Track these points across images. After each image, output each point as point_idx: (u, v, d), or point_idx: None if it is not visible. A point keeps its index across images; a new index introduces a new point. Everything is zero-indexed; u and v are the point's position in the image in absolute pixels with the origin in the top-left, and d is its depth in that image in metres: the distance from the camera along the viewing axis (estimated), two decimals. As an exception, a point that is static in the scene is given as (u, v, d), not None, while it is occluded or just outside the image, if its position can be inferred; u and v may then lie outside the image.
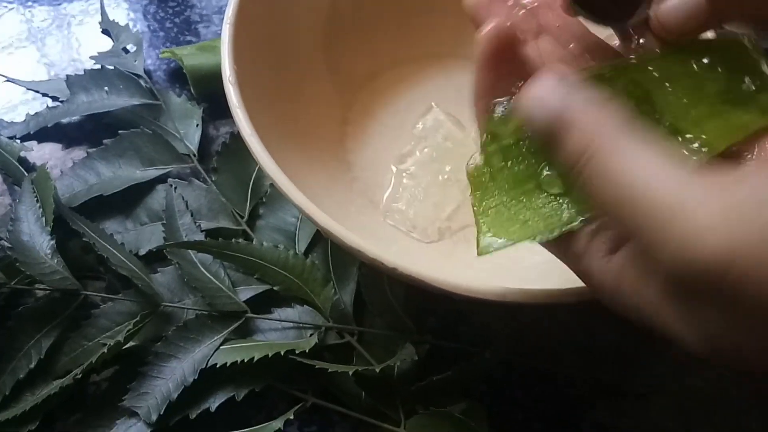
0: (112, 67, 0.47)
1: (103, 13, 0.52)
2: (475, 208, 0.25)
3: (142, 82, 0.47)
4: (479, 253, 0.25)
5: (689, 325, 0.21)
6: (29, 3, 0.54)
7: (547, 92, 0.22)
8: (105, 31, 0.52)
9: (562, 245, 0.25)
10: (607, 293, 0.23)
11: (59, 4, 0.54)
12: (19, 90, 0.49)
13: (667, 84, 0.25)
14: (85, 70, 0.47)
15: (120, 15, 0.54)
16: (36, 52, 0.52)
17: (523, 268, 0.38)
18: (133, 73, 0.47)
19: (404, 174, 0.44)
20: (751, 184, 0.19)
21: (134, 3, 0.55)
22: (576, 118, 0.22)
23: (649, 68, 0.25)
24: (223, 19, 0.53)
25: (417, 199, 0.43)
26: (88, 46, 0.52)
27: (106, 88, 0.46)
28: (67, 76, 0.47)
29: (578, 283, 0.25)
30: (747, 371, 0.22)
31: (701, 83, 0.25)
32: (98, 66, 0.47)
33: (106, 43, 0.52)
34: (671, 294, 0.21)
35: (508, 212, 0.24)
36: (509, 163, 0.25)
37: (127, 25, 0.52)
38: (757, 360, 0.20)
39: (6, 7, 0.54)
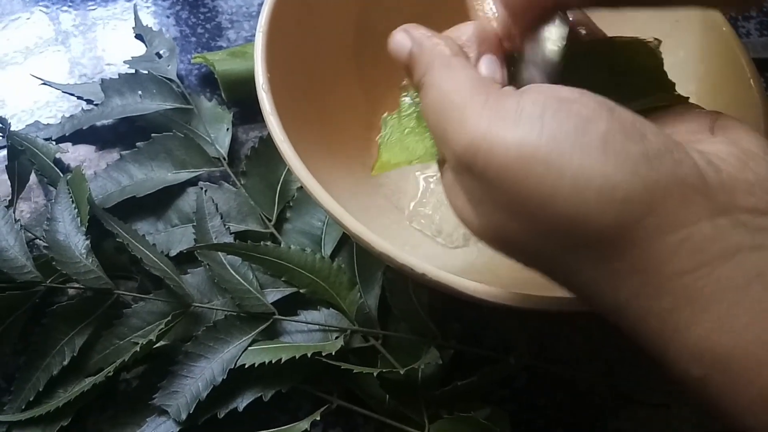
0: (146, 72, 0.48)
1: (137, 19, 0.53)
2: (379, 142, 0.30)
3: (174, 86, 0.48)
4: (373, 173, 0.30)
5: (466, 202, 0.25)
6: (61, 6, 0.55)
7: (402, 35, 0.28)
8: (138, 36, 0.53)
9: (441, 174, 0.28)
10: (451, 205, 0.26)
11: (92, 9, 0.55)
12: (48, 91, 0.51)
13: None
14: (119, 74, 0.48)
15: (152, 20, 0.55)
16: (66, 55, 0.53)
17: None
18: (166, 78, 0.48)
19: (432, 179, 0.45)
20: (518, 97, 0.23)
21: (167, 8, 0.56)
22: (418, 51, 0.27)
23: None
24: (251, 24, 0.55)
25: (444, 204, 0.44)
26: (118, 50, 0.53)
27: (139, 92, 0.48)
28: (101, 79, 0.48)
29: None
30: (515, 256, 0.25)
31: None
32: (132, 70, 0.48)
33: (136, 47, 0.53)
34: (455, 176, 0.25)
35: (401, 144, 0.29)
36: (413, 108, 0.30)
37: (161, 30, 0.53)
38: (511, 238, 0.24)
39: (35, 10, 0.55)
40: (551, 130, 0.21)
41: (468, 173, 0.23)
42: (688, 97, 0.29)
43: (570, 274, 0.23)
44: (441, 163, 0.28)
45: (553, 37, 0.27)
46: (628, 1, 0.29)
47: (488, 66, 0.27)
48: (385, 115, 0.30)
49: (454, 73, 0.25)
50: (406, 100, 0.30)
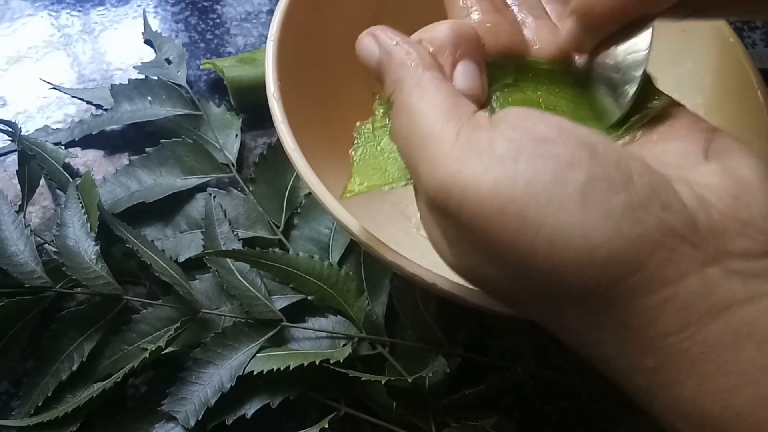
0: (155, 77, 0.48)
1: (146, 24, 0.54)
2: (352, 159, 0.27)
3: (183, 92, 0.48)
4: (342, 197, 0.27)
5: (441, 237, 0.23)
6: (70, 11, 0.56)
7: (369, 40, 0.26)
8: (147, 42, 0.54)
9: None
10: (428, 237, 0.25)
11: (101, 14, 0.56)
12: (57, 95, 0.51)
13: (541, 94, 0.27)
14: (129, 80, 0.48)
15: (161, 25, 0.55)
16: (75, 59, 0.53)
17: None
18: (175, 84, 0.49)
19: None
20: (490, 133, 0.21)
21: (176, 14, 0.56)
22: (386, 60, 0.25)
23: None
24: (260, 30, 0.55)
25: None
26: (127, 55, 0.53)
27: (149, 98, 0.48)
28: (111, 85, 0.48)
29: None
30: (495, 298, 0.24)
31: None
32: (142, 76, 0.49)
33: (145, 53, 0.53)
34: (428, 212, 0.23)
35: (375, 162, 0.27)
36: (387, 120, 0.26)
37: (170, 35, 0.54)
38: (488, 281, 0.22)
39: (44, 14, 0.55)
40: (526, 179, 0.20)
41: (440, 213, 0.22)
42: (671, 97, 0.27)
43: (552, 321, 0.22)
44: (416, 190, 0.26)
45: (637, 49, 0.25)
46: (710, 12, 0.27)
47: (465, 76, 0.25)
48: (359, 123, 0.28)
49: (425, 96, 0.23)
50: (381, 109, 0.27)
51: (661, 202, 0.20)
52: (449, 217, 0.21)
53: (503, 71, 0.27)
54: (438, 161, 0.21)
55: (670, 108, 0.26)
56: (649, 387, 0.20)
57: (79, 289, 0.39)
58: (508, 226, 0.20)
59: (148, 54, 0.53)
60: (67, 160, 0.46)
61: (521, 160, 0.20)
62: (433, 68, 0.24)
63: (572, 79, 0.28)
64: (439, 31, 0.26)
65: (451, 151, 0.21)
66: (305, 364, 0.37)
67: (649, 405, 0.21)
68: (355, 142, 0.27)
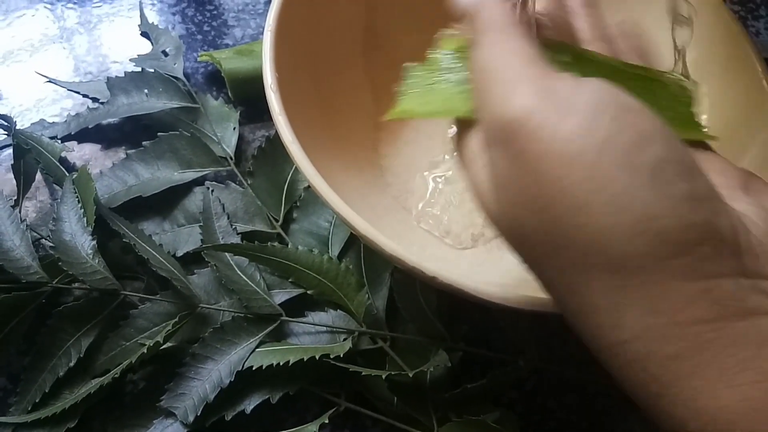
0: (152, 70, 0.48)
1: (142, 16, 0.53)
2: (399, 91, 0.28)
3: (180, 84, 0.48)
4: (387, 117, 0.28)
5: (487, 180, 0.23)
6: (66, 3, 0.55)
7: None
8: (144, 34, 0.53)
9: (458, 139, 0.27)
10: (469, 178, 0.25)
11: (97, 6, 0.55)
12: (53, 89, 0.50)
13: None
14: (125, 72, 0.47)
15: (157, 17, 0.55)
16: (71, 52, 0.53)
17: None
18: (172, 76, 0.48)
19: (440, 179, 0.45)
20: (575, 84, 0.21)
21: (172, 6, 0.55)
22: (479, 10, 0.25)
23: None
24: (258, 22, 0.54)
25: (452, 205, 0.43)
26: (123, 47, 0.53)
27: (146, 91, 0.47)
28: (107, 78, 0.47)
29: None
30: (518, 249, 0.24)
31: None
32: (138, 68, 0.48)
33: (141, 45, 0.53)
34: (485, 146, 0.23)
35: (422, 97, 0.28)
36: (443, 65, 0.28)
37: (167, 28, 0.53)
38: (525, 235, 0.22)
39: (39, 7, 0.55)
40: (605, 136, 0.20)
41: (502, 148, 0.22)
42: (715, 137, 0.28)
43: (571, 294, 0.22)
44: (462, 125, 0.26)
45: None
46: None
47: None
48: (409, 64, 0.28)
49: (512, 40, 0.24)
50: (438, 56, 0.28)
51: (713, 207, 0.20)
52: (510, 152, 0.21)
53: (561, 52, 0.28)
54: (516, 96, 0.21)
55: (705, 150, 0.28)
56: (661, 376, 0.20)
57: (76, 285, 0.39)
58: (572, 174, 0.20)
59: (145, 46, 0.53)
60: (63, 154, 0.46)
61: (603, 117, 0.20)
62: (523, 24, 0.25)
63: (630, 77, 0.29)
64: None
65: (531, 88, 0.21)
66: (305, 359, 0.36)
67: (655, 400, 0.20)
68: (404, 80, 0.28)
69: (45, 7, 0.55)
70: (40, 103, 0.50)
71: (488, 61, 0.24)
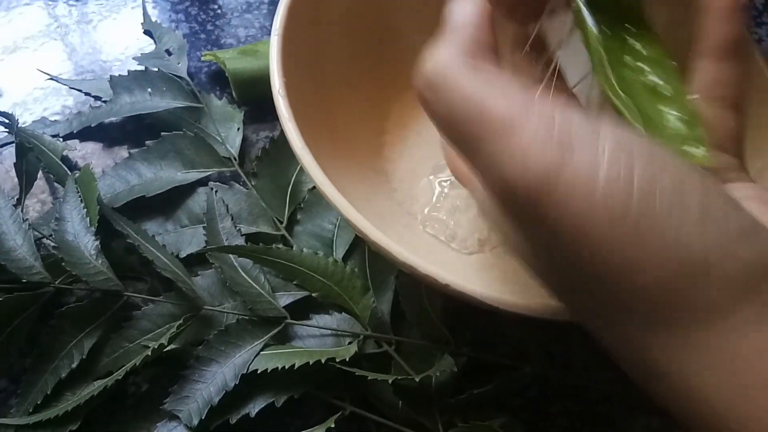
0: (155, 69, 0.47)
1: (145, 14, 0.53)
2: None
3: (184, 84, 0.47)
4: None
5: (515, 239, 0.21)
6: (67, 0, 0.55)
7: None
8: (147, 32, 0.53)
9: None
10: (496, 234, 0.24)
11: (99, 3, 0.55)
12: (54, 87, 0.50)
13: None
14: (128, 71, 0.47)
15: (160, 16, 0.54)
16: (72, 50, 0.52)
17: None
18: (176, 75, 0.48)
19: (445, 183, 0.44)
20: (594, 129, 0.18)
21: (176, 4, 0.55)
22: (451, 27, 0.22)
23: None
24: (262, 22, 0.54)
25: (458, 210, 0.43)
26: (125, 46, 0.52)
27: (149, 90, 0.47)
28: (110, 76, 0.47)
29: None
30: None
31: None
32: (141, 67, 0.48)
33: (144, 44, 0.52)
34: (496, 207, 0.21)
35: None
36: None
37: (170, 26, 0.52)
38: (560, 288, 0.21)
39: (40, 3, 0.54)
40: (645, 187, 0.17)
41: (526, 219, 0.19)
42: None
43: (605, 325, 0.20)
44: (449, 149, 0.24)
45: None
46: None
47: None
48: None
49: (486, 74, 0.20)
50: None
51: (763, 238, 0.19)
52: (536, 221, 0.18)
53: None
54: (529, 150, 0.18)
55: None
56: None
57: (78, 285, 0.38)
58: (618, 237, 0.17)
59: (148, 45, 0.52)
60: (65, 153, 0.45)
61: (637, 166, 0.17)
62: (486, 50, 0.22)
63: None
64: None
65: (548, 141, 0.18)
66: (310, 363, 0.36)
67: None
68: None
69: (46, 3, 0.54)
70: (41, 100, 0.49)
71: (465, 101, 0.19)
